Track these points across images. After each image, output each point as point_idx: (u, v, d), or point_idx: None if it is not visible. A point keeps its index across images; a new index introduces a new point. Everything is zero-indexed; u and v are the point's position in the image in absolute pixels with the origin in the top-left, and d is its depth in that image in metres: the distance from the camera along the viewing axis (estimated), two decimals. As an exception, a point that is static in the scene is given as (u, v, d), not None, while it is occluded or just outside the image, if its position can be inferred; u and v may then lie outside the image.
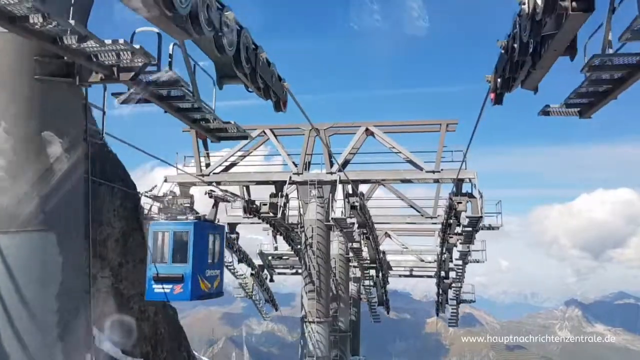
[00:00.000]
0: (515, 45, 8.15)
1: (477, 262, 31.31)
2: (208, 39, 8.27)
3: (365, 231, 28.52)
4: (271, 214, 23.98)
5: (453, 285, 34.77)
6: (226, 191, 16.48)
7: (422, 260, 36.76)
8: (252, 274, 35.66)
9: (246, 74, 9.94)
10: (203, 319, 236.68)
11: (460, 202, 23.47)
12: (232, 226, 32.35)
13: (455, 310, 38.07)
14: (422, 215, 31.60)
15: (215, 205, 17.19)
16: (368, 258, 32.72)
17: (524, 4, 7.38)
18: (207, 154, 27.65)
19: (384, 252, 34.93)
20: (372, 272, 35.36)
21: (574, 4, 6.11)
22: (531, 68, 8.10)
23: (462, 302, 36.96)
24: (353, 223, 25.37)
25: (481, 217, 22.86)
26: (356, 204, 23.56)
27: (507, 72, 8.95)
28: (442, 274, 34.46)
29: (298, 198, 26.21)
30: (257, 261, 36.98)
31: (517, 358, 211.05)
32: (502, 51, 8.74)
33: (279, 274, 39.11)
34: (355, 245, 28.81)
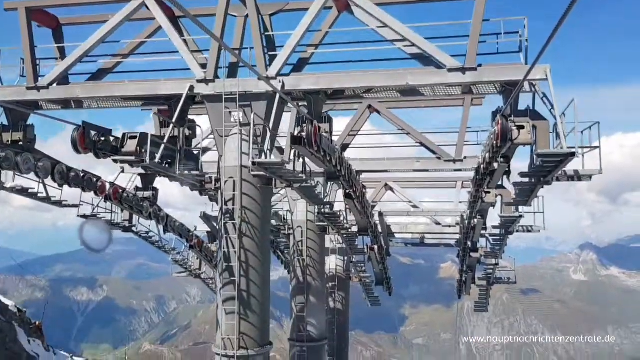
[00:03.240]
0: None
1: (530, 231, 18.41)
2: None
3: (343, 185, 15.91)
4: (134, 158, 11.34)
5: (485, 260, 22.23)
6: None
7: (439, 224, 24.04)
8: (191, 247, 23.40)
9: None
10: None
11: (522, 127, 10.65)
12: (147, 179, 19.86)
13: (484, 293, 25.63)
14: (438, 158, 18.77)
15: None
16: (356, 224, 20.21)
17: None
18: (61, 49, 14.74)
19: (380, 214, 22.15)
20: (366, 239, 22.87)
21: None
22: None
23: (495, 284, 24.55)
24: (307, 172, 12.89)
25: (572, 154, 9.91)
26: (303, 134, 10.83)
27: None
28: (469, 244, 21.79)
29: (211, 127, 13.53)
30: (204, 227, 24.76)
31: (531, 301, 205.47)
32: None
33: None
34: (326, 210, 16.29)
